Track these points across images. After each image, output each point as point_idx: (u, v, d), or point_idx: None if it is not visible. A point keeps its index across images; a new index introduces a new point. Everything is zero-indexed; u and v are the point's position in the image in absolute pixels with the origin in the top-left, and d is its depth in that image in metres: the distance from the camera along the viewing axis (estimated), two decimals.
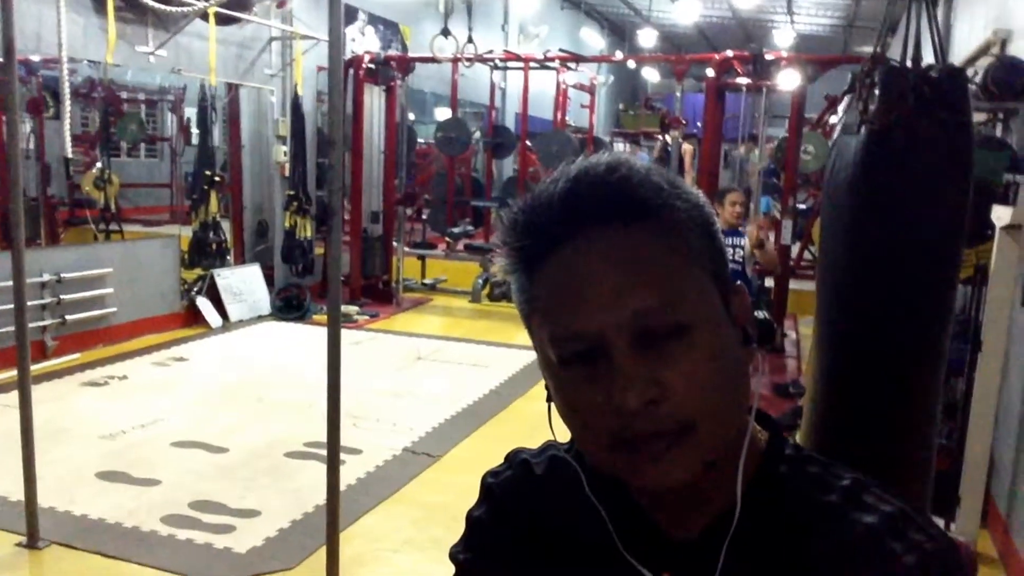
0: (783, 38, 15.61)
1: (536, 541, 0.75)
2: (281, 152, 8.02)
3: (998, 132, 4.45)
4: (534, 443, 0.82)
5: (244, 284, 7.64)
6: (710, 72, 7.19)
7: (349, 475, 3.97)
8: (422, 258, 9.40)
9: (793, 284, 7.21)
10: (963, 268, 2.50)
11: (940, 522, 3.30)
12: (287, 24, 7.93)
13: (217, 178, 7.51)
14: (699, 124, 9.20)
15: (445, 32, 7.90)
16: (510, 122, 12.40)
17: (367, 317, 7.84)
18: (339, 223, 2.78)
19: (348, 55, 8.10)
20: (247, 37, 7.60)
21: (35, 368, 4.64)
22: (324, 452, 2.88)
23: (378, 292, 8.65)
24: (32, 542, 3.28)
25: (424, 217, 10.74)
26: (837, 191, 1.71)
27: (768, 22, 15.96)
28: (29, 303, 3.44)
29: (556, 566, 0.74)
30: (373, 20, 9.61)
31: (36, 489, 3.29)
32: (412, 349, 6.72)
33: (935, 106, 1.56)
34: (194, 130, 8.47)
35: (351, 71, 8.03)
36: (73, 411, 4.88)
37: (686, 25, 16.14)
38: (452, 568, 0.80)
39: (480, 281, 8.65)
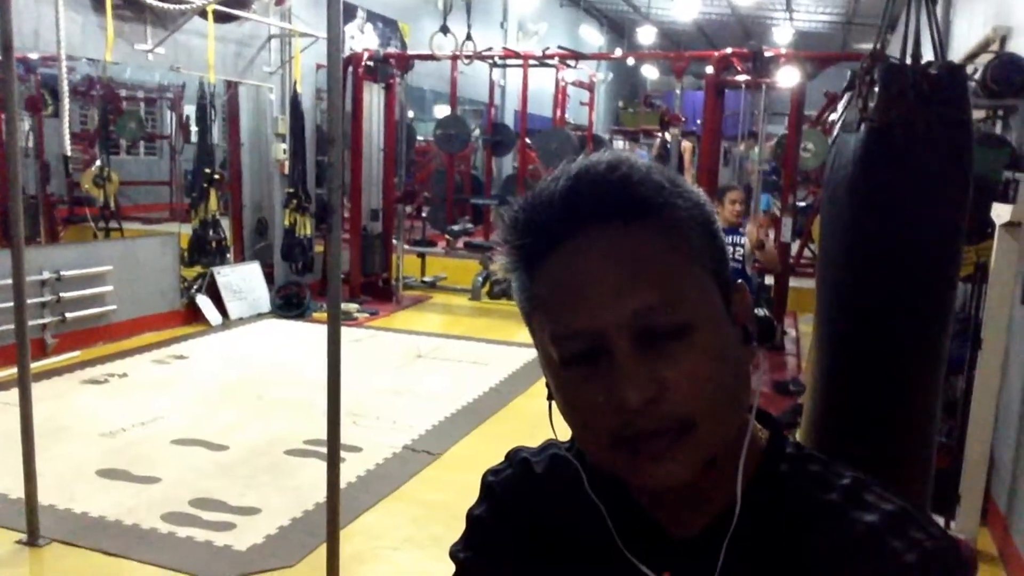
0: (782, 35, 15.60)
1: (536, 540, 0.75)
2: (280, 150, 8.02)
3: (998, 129, 4.45)
4: (534, 441, 0.83)
5: (244, 282, 7.64)
6: (709, 69, 7.18)
7: (349, 473, 3.98)
8: (422, 256, 9.40)
9: (793, 282, 7.21)
10: (963, 266, 2.51)
11: (940, 520, 3.30)
12: (286, 22, 7.92)
13: (216, 176, 7.51)
14: (698, 121, 9.19)
15: (444, 29, 7.89)
16: (509, 120, 12.39)
17: (367, 315, 7.84)
18: (339, 221, 2.77)
19: (347, 53, 8.09)
20: (246, 35, 7.59)
21: (35, 366, 4.63)
22: (324, 450, 2.88)
23: (378, 290, 8.64)
24: (32, 540, 3.28)
25: (424, 215, 10.73)
26: (837, 188, 1.71)
27: (767, 19, 15.96)
28: (29, 301, 3.43)
29: (556, 565, 0.74)
30: (372, 17, 9.60)
31: (36, 487, 3.29)
32: (412, 347, 6.72)
33: (935, 103, 1.56)
34: (193, 128, 8.47)
35: (350, 69, 8.02)
36: (73, 409, 4.88)
37: (685, 22, 16.14)
38: (452, 566, 0.80)
39: (480, 279, 8.65)
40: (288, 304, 7.78)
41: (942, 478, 3.11)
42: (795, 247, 8.24)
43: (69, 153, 6.28)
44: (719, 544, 0.66)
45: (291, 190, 7.99)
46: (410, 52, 9.13)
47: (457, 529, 0.81)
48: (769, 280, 6.87)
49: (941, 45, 1.73)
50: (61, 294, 5.94)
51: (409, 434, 4.68)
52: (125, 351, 6.18)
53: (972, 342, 3.45)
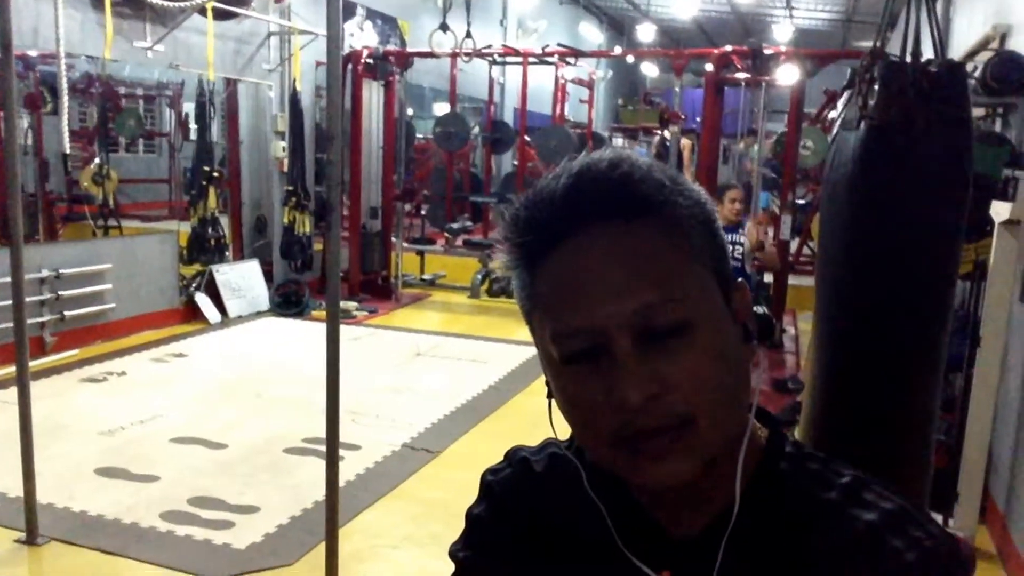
0: (782, 33, 15.58)
1: (536, 539, 0.75)
2: (280, 147, 8.01)
3: (997, 127, 4.45)
4: (533, 439, 0.82)
5: (243, 280, 7.64)
6: (709, 67, 7.17)
7: (348, 471, 3.98)
8: (421, 254, 9.39)
9: (792, 280, 7.21)
10: (962, 264, 2.51)
11: (938, 518, 3.30)
12: (285, 19, 7.92)
13: (216, 173, 7.50)
14: (698, 119, 9.19)
15: (443, 27, 7.89)
16: (509, 117, 12.39)
17: (366, 313, 7.84)
18: (338, 219, 2.77)
19: (346, 50, 8.09)
20: (245, 32, 7.59)
21: (34, 364, 4.63)
22: (323, 448, 2.88)
23: (377, 288, 8.64)
24: (31, 538, 3.28)
25: (423, 213, 10.73)
26: (836, 186, 1.70)
27: (767, 17, 15.94)
28: (27, 299, 3.43)
29: (556, 564, 0.74)
30: (371, 15, 9.59)
31: (35, 485, 3.29)
32: (411, 345, 6.72)
33: (935, 101, 1.56)
34: (192, 125, 8.45)
35: (349, 66, 8.01)
36: (72, 407, 4.88)
37: (685, 20, 16.13)
38: (451, 565, 0.80)
39: (479, 277, 8.65)
40: (287, 302, 7.78)
41: (941, 476, 3.12)
42: (794, 245, 8.23)
43: (68, 151, 6.27)
44: (719, 543, 0.66)
45: (290, 188, 7.99)
46: (409, 49, 9.12)
47: (456, 527, 0.81)
48: (768, 278, 6.86)
49: (941, 43, 1.73)
50: (60, 292, 5.93)
51: (408, 432, 4.68)
52: (124, 349, 6.18)
53: (971, 340, 3.45)
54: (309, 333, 6.85)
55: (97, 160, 7.51)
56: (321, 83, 8.28)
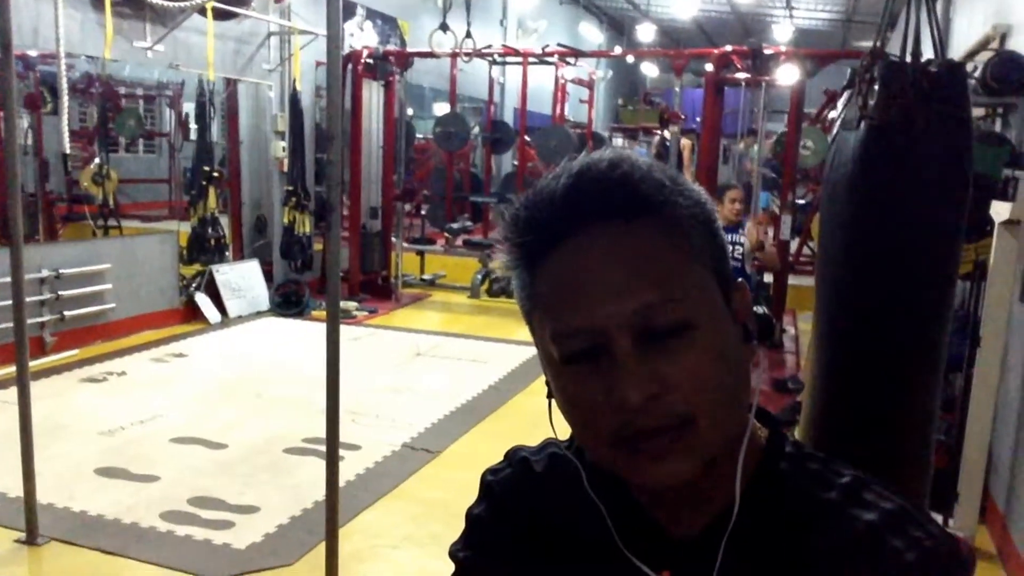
0: (782, 33, 15.58)
1: (536, 539, 0.75)
2: (279, 147, 8.01)
3: (997, 127, 4.45)
4: (533, 439, 0.82)
5: (243, 280, 7.64)
6: (709, 67, 7.17)
7: (348, 471, 3.98)
8: (421, 254, 9.39)
9: (792, 280, 7.21)
10: (962, 264, 2.50)
11: (938, 518, 3.30)
12: (285, 19, 7.91)
13: (215, 173, 7.50)
14: (698, 119, 9.19)
15: (443, 27, 7.89)
16: (509, 117, 12.38)
17: (366, 313, 7.84)
18: (338, 219, 2.77)
19: (346, 50, 8.08)
20: (245, 32, 7.59)
21: (34, 364, 4.63)
22: (323, 448, 2.88)
23: (377, 288, 8.64)
24: (31, 538, 3.28)
25: (423, 213, 10.73)
26: (836, 186, 1.70)
27: (767, 17, 15.94)
28: (27, 299, 3.43)
29: (556, 564, 0.74)
30: (371, 15, 9.59)
31: (35, 485, 3.29)
32: (411, 345, 6.72)
33: (935, 101, 1.56)
34: (192, 125, 8.45)
35: (349, 66, 8.01)
36: (72, 407, 4.88)
37: (685, 20, 16.13)
38: (451, 565, 0.80)
39: (479, 277, 8.65)
40: (287, 302, 7.78)
41: (940, 476, 3.12)
42: (794, 245, 8.24)
43: (68, 151, 6.27)
44: (719, 543, 0.66)
45: (290, 188, 7.99)
46: (409, 49, 9.12)
47: (456, 527, 0.81)
48: (768, 278, 6.86)
49: (941, 43, 1.73)
50: (60, 292, 5.93)
51: (408, 432, 4.68)
52: (124, 349, 6.18)
53: (971, 339, 3.45)
54: (309, 333, 6.85)
55: (97, 160, 7.51)
56: (321, 83, 8.28)
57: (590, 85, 11.92)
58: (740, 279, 0.69)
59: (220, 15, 6.88)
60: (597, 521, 0.71)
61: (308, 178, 8.20)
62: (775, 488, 0.68)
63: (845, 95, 1.78)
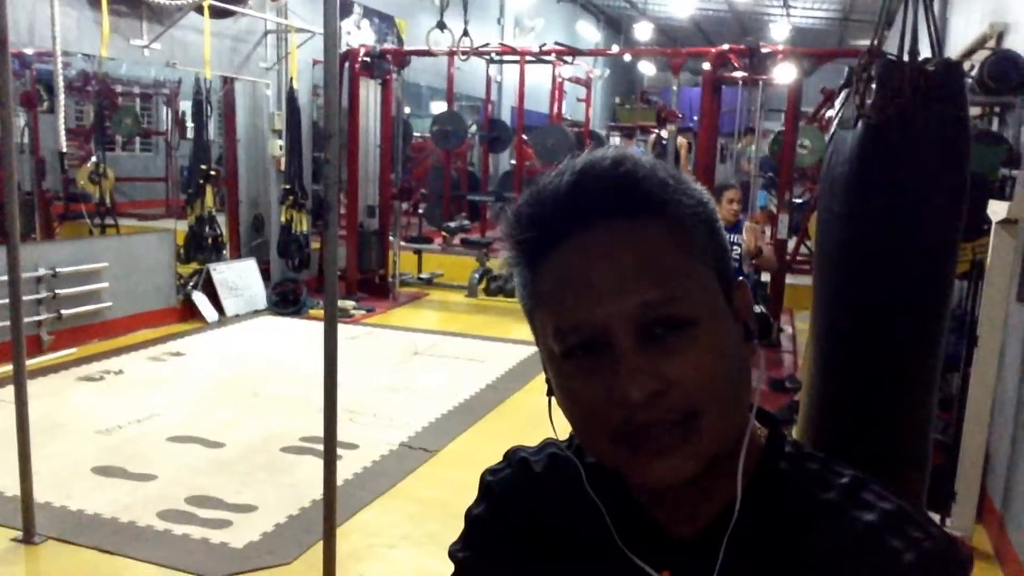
0: (779, 31, 15.60)
1: (535, 539, 0.75)
2: (277, 146, 8.00)
3: (994, 126, 4.46)
4: (531, 438, 0.82)
5: (240, 279, 7.62)
6: (706, 66, 7.18)
7: (346, 470, 3.97)
8: (418, 252, 9.39)
9: (789, 279, 7.21)
10: (959, 263, 2.51)
11: (935, 517, 3.31)
12: (282, 17, 7.90)
13: (213, 172, 7.48)
14: (695, 118, 9.19)
15: (441, 25, 7.87)
16: (506, 116, 12.39)
17: (363, 312, 7.83)
18: (335, 217, 2.77)
19: (343, 48, 8.07)
20: (242, 30, 7.57)
21: (31, 363, 4.61)
22: (321, 447, 2.88)
23: (374, 287, 8.64)
24: (28, 537, 3.28)
25: (420, 211, 10.72)
26: (834, 185, 1.71)
27: (764, 15, 15.94)
28: (25, 298, 3.42)
29: (556, 563, 0.74)
30: (368, 13, 9.58)
31: (32, 484, 3.28)
32: (408, 344, 6.72)
33: (932, 100, 1.56)
34: (189, 124, 8.44)
35: (346, 65, 8.00)
36: (69, 406, 4.87)
37: (682, 18, 16.13)
38: (449, 564, 0.80)
39: (476, 275, 8.65)
40: (284, 301, 7.77)
41: (938, 475, 3.12)
42: (792, 244, 8.24)
43: (64, 149, 6.25)
44: (719, 543, 0.66)
45: (287, 186, 7.98)
46: (407, 48, 9.11)
47: (454, 526, 0.81)
48: (765, 277, 6.87)
49: (938, 42, 1.73)
50: (57, 291, 5.92)
51: (406, 431, 4.68)
52: (121, 348, 6.17)
53: (968, 339, 3.45)
54: (306, 332, 6.85)
55: (94, 158, 7.50)
56: (318, 81, 8.27)
57: (587, 84, 11.93)
58: (741, 278, 0.69)
59: (217, 13, 6.86)
60: (597, 520, 0.71)
61: (305, 177, 8.19)
62: (775, 488, 0.68)
63: (843, 94, 1.78)
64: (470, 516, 0.80)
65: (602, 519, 0.70)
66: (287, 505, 3.68)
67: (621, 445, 0.62)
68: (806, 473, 0.68)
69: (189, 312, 7.13)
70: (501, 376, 5.89)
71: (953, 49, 5.76)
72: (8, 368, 3.56)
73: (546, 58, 8.99)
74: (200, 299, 7.17)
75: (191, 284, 7.27)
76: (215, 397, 5.19)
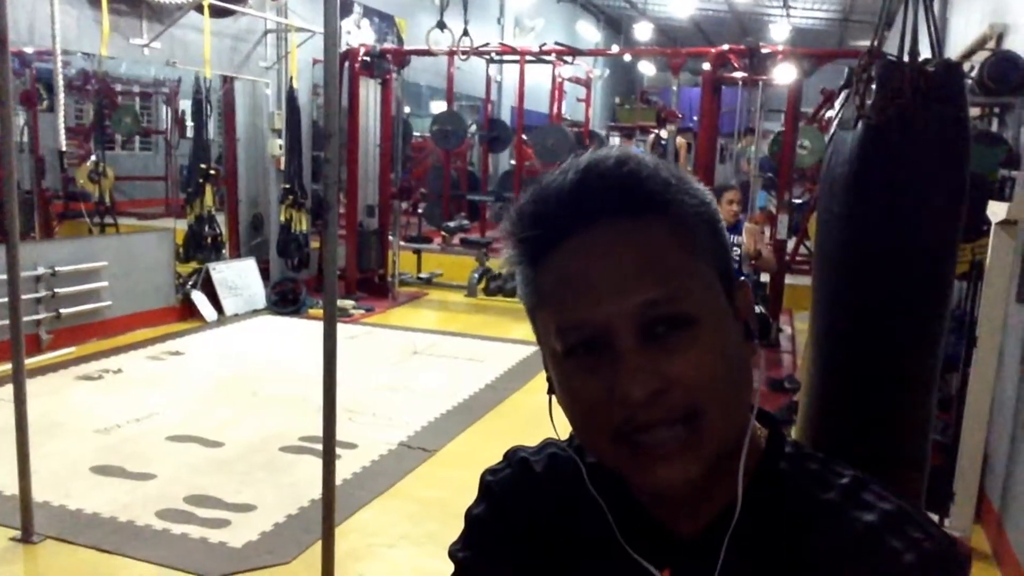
0: (779, 32, 15.60)
1: (536, 539, 0.75)
2: (276, 145, 8.00)
3: (994, 127, 4.46)
4: (530, 437, 0.82)
5: (239, 278, 7.62)
6: (706, 66, 7.18)
7: (344, 470, 3.97)
8: (418, 252, 9.39)
9: (789, 279, 7.22)
10: (959, 264, 2.51)
11: (934, 517, 3.30)
12: (282, 16, 7.90)
13: (212, 171, 7.49)
14: (695, 118, 9.19)
15: (441, 25, 7.87)
16: (506, 116, 12.39)
17: (363, 311, 7.83)
18: (335, 217, 2.77)
19: (343, 48, 8.07)
20: (242, 29, 7.57)
21: (30, 362, 4.61)
22: (320, 446, 2.87)
23: (374, 286, 8.64)
24: (27, 536, 3.27)
25: (420, 211, 10.72)
26: (834, 186, 1.71)
27: (764, 16, 15.95)
28: (24, 297, 3.42)
29: (557, 562, 0.74)
30: (368, 13, 9.58)
31: (31, 483, 3.28)
32: (408, 343, 6.72)
33: (932, 101, 1.56)
34: (189, 123, 8.44)
35: (346, 64, 7.99)
36: (68, 405, 4.87)
37: (682, 18, 16.14)
38: (448, 564, 0.80)
39: (476, 275, 8.64)
40: (284, 300, 7.77)
41: (936, 475, 3.12)
42: (791, 244, 8.25)
43: (64, 148, 6.24)
44: (719, 542, 0.66)
45: (287, 186, 7.98)
46: (407, 47, 9.11)
47: (453, 526, 0.81)
48: (764, 277, 6.87)
49: (938, 42, 1.73)
50: (56, 290, 5.92)
51: (405, 431, 4.67)
52: (120, 347, 6.17)
53: (967, 339, 3.46)
54: (306, 331, 6.85)
55: (93, 157, 7.49)
56: (318, 81, 8.27)
57: (587, 84, 11.94)
58: (742, 278, 0.70)
59: (217, 12, 6.86)
60: (598, 519, 0.71)
61: (305, 176, 8.19)
62: (775, 488, 0.68)
63: (843, 94, 1.78)
64: (470, 516, 0.80)
65: (603, 517, 0.70)
66: (286, 505, 3.67)
67: (622, 445, 0.63)
68: (806, 473, 0.68)
69: (188, 311, 7.13)
70: (500, 376, 5.89)
71: (953, 50, 5.76)
72: (7, 367, 3.56)
73: (546, 58, 8.99)
74: (199, 298, 7.17)
75: (190, 283, 7.27)
76: (214, 396, 5.19)
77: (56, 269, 5.91)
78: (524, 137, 9.38)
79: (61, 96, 5.83)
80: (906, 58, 1.64)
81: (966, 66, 3.89)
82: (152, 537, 3.35)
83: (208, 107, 7.54)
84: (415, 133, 11.39)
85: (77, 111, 9.30)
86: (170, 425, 4.59)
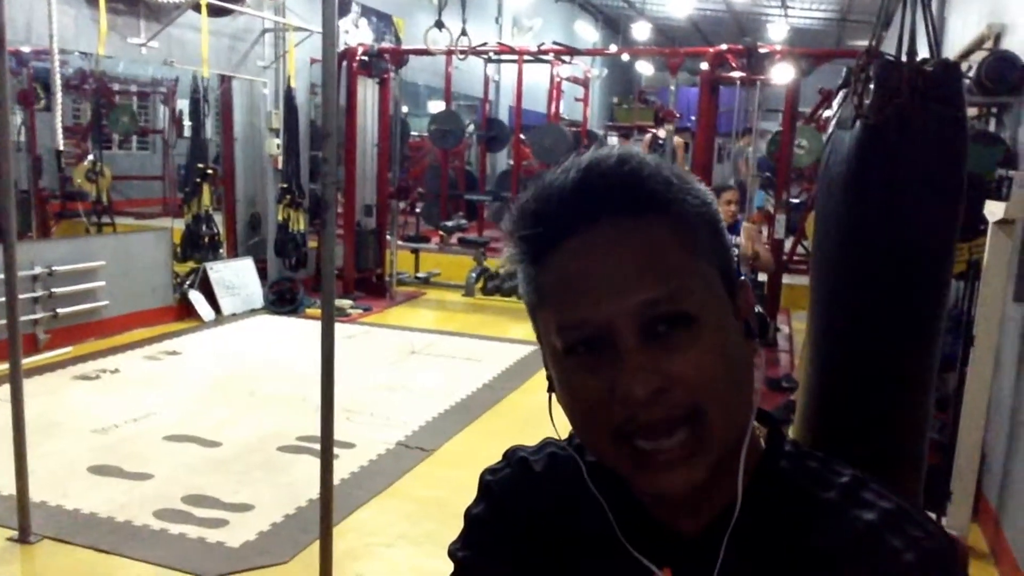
0: (777, 32, 15.62)
1: (535, 538, 0.75)
2: (274, 145, 7.99)
3: (991, 127, 4.46)
4: (528, 437, 0.82)
5: (237, 277, 7.62)
6: (704, 66, 7.18)
7: (342, 469, 3.97)
8: (415, 252, 9.38)
9: (786, 279, 7.22)
10: (956, 263, 2.51)
11: (931, 516, 3.31)
12: (280, 16, 7.89)
13: (210, 171, 7.47)
14: (692, 118, 9.20)
15: (439, 24, 7.87)
16: (504, 115, 12.38)
17: (360, 311, 7.83)
18: (333, 216, 2.77)
19: (341, 47, 8.06)
20: (240, 29, 7.56)
21: (26, 362, 4.61)
22: (317, 446, 2.87)
23: (371, 286, 8.63)
24: (24, 537, 3.27)
25: (417, 210, 10.71)
26: (832, 185, 1.71)
27: (762, 15, 15.95)
28: (20, 296, 3.41)
29: (556, 561, 0.74)
30: (366, 12, 9.57)
31: (28, 483, 3.28)
32: (405, 343, 6.72)
33: (930, 100, 1.57)
34: (186, 122, 8.43)
35: (344, 63, 7.99)
36: (65, 405, 4.86)
37: (680, 18, 16.13)
38: (446, 563, 0.80)
39: (473, 275, 8.64)
40: (281, 300, 7.76)
41: (934, 474, 3.12)
42: (788, 244, 8.25)
43: (61, 147, 6.23)
44: (719, 541, 0.66)
45: (285, 185, 7.97)
46: (405, 47, 9.10)
47: (451, 525, 0.81)
48: (762, 277, 6.87)
49: (936, 42, 1.73)
50: (53, 289, 5.91)
51: (403, 430, 4.67)
52: (117, 347, 6.16)
53: (964, 339, 3.46)
54: (303, 331, 6.84)
55: (91, 157, 7.48)
56: (316, 80, 8.26)
57: (585, 83, 11.94)
58: (743, 277, 0.70)
59: (215, 11, 6.85)
60: (599, 517, 0.71)
61: (303, 175, 8.18)
62: (776, 487, 0.68)
63: (840, 94, 1.79)
64: (469, 516, 0.80)
65: (604, 515, 0.70)
66: (283, 504, 3.67)
67: (623, 444, 0.63)
68: (806, 472, 0.69)
69: (185, 311, 7.12)
70: (498, 375, 5.89)
71: (951, 49, 5.77)
72: (4, 367, 3.56)
73: (544, 57, 8.98)
74: (197, 298, 7.16)
75: (188, 283, 7.26)
76: (211, 396, 5.18)
77: (53, 269, 5.91)
78: (522, 137, 9.38)
79: (58, 95, 5.82)
80: (904, 58, 1.64)
81: (964, 66, 3.89)
82: (150, 537, 3.35)
83: (206, 106, 7.52)
84: (413, 132, 11.39)
85: (74, 110, 9.28)
86: (167, 425, 4.58)
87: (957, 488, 3.40)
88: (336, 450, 2.94)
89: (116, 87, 9.37)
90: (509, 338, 6.87)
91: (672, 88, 8.25)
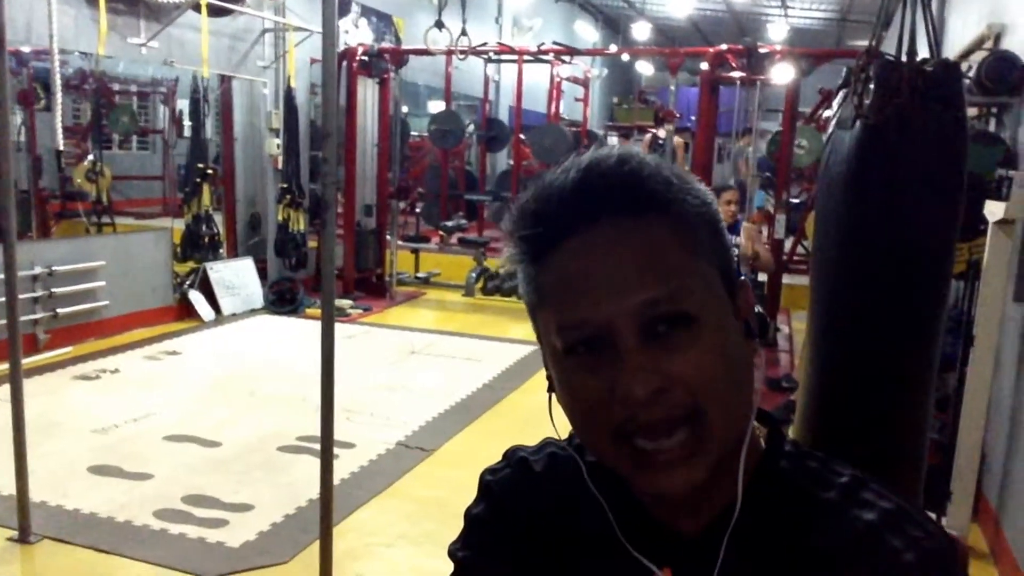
0: (777, 32, 15.62)
1: (535, 538, 0.75)
2: (274, 144, 7.99)
3: (991, 127, 4.46)
4: (528, 437, 0.82)
5: (237, 277, 7.62)
6: (704, 66, 7.18)
7: (342, 469, 3.97)
8: (415, 252, 9.38)
9: (786, 279, 7.22)
10: (956, 263, 2.51)
11: (931, 516, 3.30)
12: (280, 16, 7.89)
13: (210, 171, 7.47)
14: (692, 118, 9.20)
15: (439, 24, 7.87)
16: (504, 115, 12.38)
17: (360, 311, 7.83)
18: (333, 216, 2.77)
19: (341, 47, 8.06)
20: (240, 29, 7.56)
21: (27, 362, 4.61)
22: (317, 446, 2.87)
23: (371, 286, 8.63)
24: (24, 536, 3.27)
25: (417, 210, 10.71)
26: (832, 185, 1.71)
27: (762, 15, 15.95)
28: (20, 296, 3.41)
29: (556, 561, 0.74)
30: (366, 12, 9.57)
31: (28, 483, 3.28)
32: (405, 343, 6.72)
33: (930, 100, 1.57)
34: (186, 122, 8.43)
35: (344, 63, 7.99)
36: (65, 405, 4.86)
37: (680, 18, 16.13)
38: (446, 563, 0.80)
39: (473, 275, 8.64)
40: (281, 300, 7.76)
41: (933, 474, 3.12)
42: (788, 244, 8.25)
43: (61, 147, 6.24)
44: (719, 541, 0.66)
45: (285, 185, 7.97)
46: (405, 47, 9.10)
47: (451, 525, 0.81)
48: (762, 277, 6.87)
49: (936, 42, 1.73)
50: (53, 289, 5.91)
51: (403, 430, 4.67)
52: (117, 347, 6.16)
53: (964, 339, 3.46)
54: (303, 331, 6.84)
55: (91, 157, 7.48)
56: (316, 80, 8.26)
57: (585, 83, 11.94)
58: (743, 277, 0.70)
59: (215, 11, 6.85)
60: (599, 517, 0.71)
61: (303, 175, 8.18)
62: (775, 487, 0.68)
63: (840, 94, 1.79)
64: (469, 516, 0.80)
65: (604, 515, 0.70)
66: (283, 504, 3.67)
67: (623, 445, 0.63)
68: (806, 472, 0.69)
69: (185, 311, 7.12)
70: (498, 375, 5.89)
71: (951, 49, 5.76)
72: (4, 367, 3.56)
73: (544, 57, 8.98)
74: (196, 298, 7.16)
75: (188, 283, 7.26)
76: (211, 396, 5.18)
77: (53, 269, 5.91)
78: (522, 137, 9.38)
79: (58, 95, 5.82)
80: (904, 58, 1.64)
81: (964, 66, 3.89)
82: (149, 537, 3.35)
83: (206, 106, 7.52)
84: (413, 132, 11.39)
85: (74, 110, 9.27)
86: (167, 425, 4.58)
87: (957, 488, 3.40)
88: (336, 450, 2.94)
89: (116, 87, 9.37)
90: (509, 338, 6.87)
91: (672, 88, 8.25)
